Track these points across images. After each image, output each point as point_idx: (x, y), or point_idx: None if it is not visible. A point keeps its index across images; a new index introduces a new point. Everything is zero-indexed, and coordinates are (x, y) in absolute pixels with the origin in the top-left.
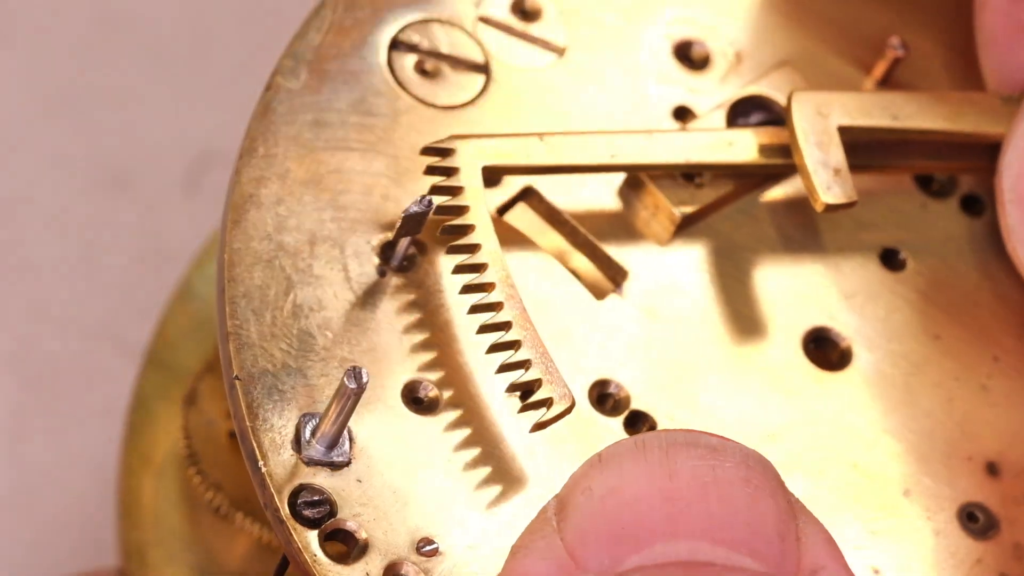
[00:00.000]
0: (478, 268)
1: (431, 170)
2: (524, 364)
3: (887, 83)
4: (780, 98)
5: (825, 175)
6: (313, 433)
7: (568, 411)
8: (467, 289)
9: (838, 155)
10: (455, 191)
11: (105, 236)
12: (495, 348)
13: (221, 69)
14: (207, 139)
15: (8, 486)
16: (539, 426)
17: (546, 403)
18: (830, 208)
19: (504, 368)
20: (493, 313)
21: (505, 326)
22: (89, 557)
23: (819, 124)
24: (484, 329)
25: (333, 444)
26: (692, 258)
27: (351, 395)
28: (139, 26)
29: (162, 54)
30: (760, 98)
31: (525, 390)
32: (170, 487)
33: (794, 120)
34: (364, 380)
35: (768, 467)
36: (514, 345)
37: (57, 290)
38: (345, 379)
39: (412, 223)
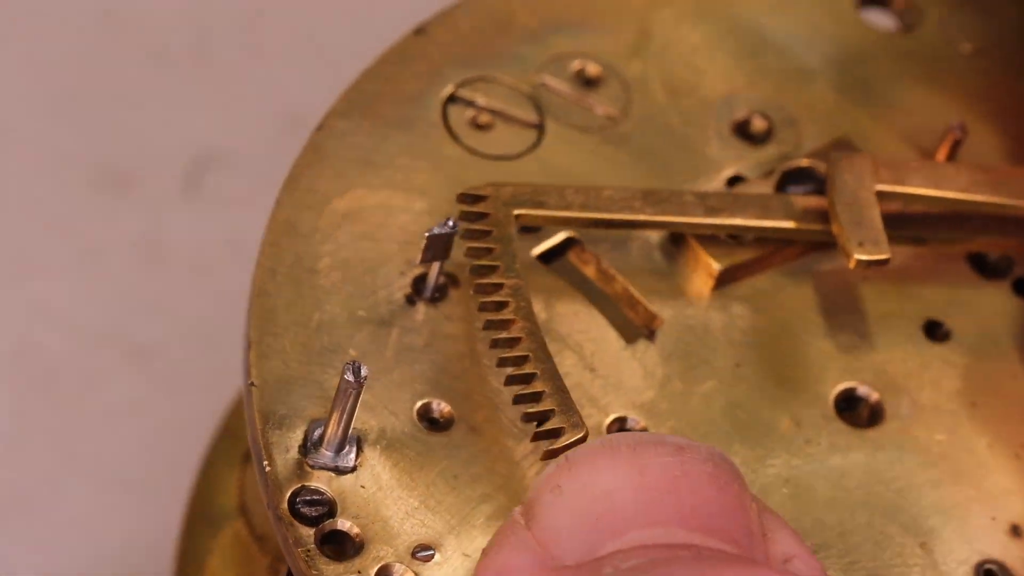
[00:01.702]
0: (501, 305)
1: (465, 215)
2: (539, 395)
3: None
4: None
5: (858, 232)
6: (320, 438)
7: (581, 441)
8: (489, 325)
9: (873, 216)
10: (485, 235)
11: (105, 236)
12: (512, 380)
13: (221, 69)
14: (207, 139)
15: (8, 487)
16: (549, 454)
17: (558, 432)
18: (862, 264)
19: (519, 399)
20: (512, 348)
21: (523, 360)
22: (89, 558)
23: (858, 186)
24: (503, 362)
25: (339, 449)
26: (729, 314)
27: (351, 390)
28: (139, 26)
29: (162, 54)
30: (810, 169)
31: (540, 419)
32: (225, 543)
33: (833, 180)
34: (363, 375)
35: (732, 466)
36: (530, 377)
37: (57, 290)
38: (344, 374)
39: (437, 245)
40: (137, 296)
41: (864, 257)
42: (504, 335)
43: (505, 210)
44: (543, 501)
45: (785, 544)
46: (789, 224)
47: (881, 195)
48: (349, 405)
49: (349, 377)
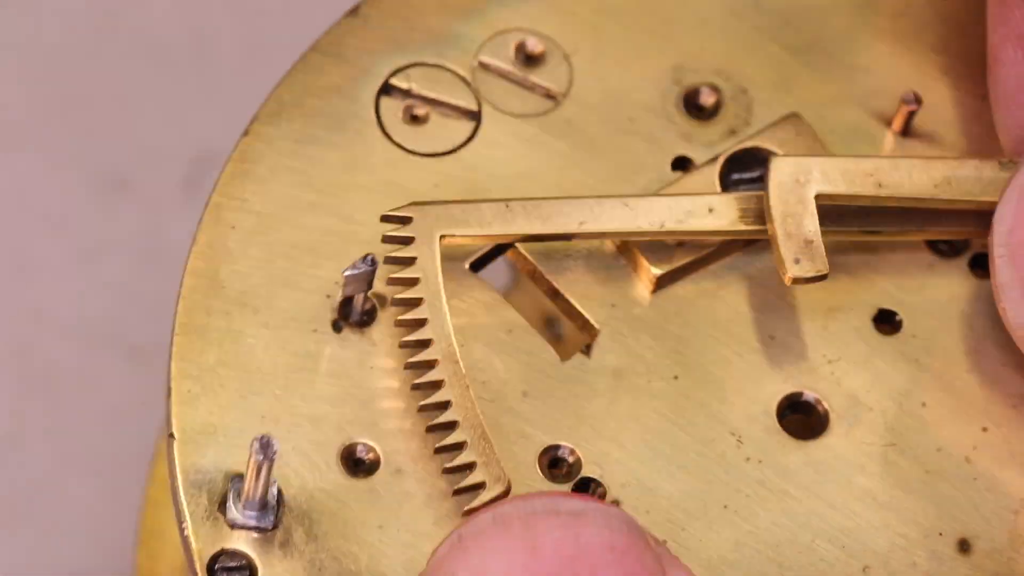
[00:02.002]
0: (422, 344)
1: (388, 239)
2: (460, 445)
3: (906, 134)
4: (781, 151)
5: (794, 247)
6: (239, 496)
7: (504, 495)
8: (410, 366)
9: (812, 225)
10: (408, 262)
11: (105, 236)
12: (433, 428)
13: (221, 69)
14: (207, 139)
15: (8, 487)
16: (472, 511)
17: (480, 486)
18: (799, 281)
19: (440, 450)
20: (433, 392)
21: (444, 405)
22: (89, 559)
23: (796, 192)
24: (423, 408)
25: (260, 507)
26: (670, 318)
27: (264, 464)
28: (139, 26)
29: (162, 54)
30: (759, 151)
31: (461, 471)
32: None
33: (770, 187)
34: (273, 450)
35: (631, 526)
36: (452, 426)
37: (57, 290)
38: (253, 451)
39: (356, 282)
40: (137, 296)
41: (800, 275)
42: (425, 379)
43: (429, 234)
44: None
45: None
46: (725, 226)
47: (821, 197)
48: (264, 474)
49: (259, 456)
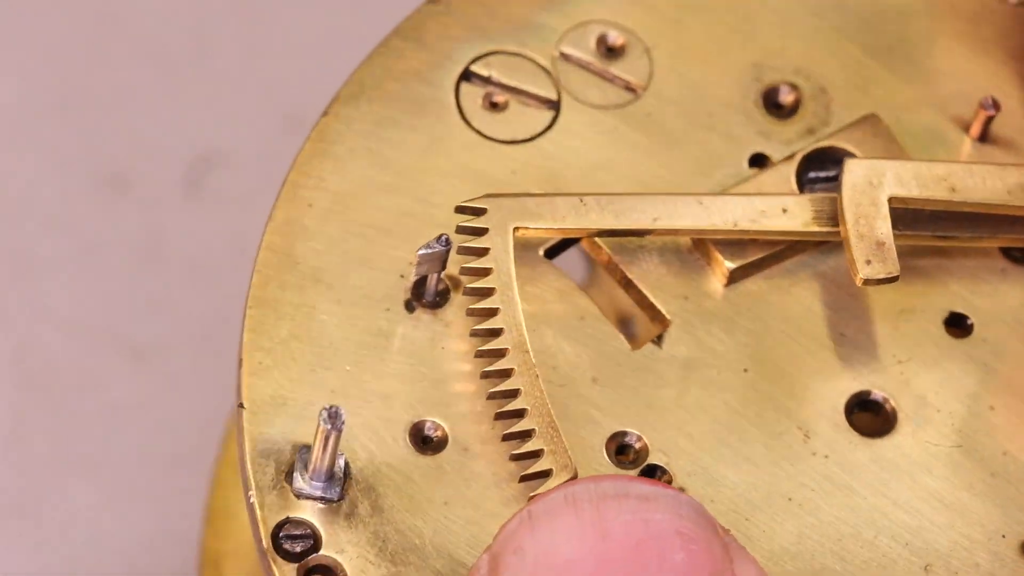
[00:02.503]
0: (493, 333)
1: (462, 229)
2: (528, 433)
3: (984, 140)
4: (857, 152)
5: (866, 248)
6: (306, 467)
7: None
8: (480, 354)
9: (884, 227)
10: (481, 252)
11: (105, 236)
12: (502, 415)
13: (221, 69)
14: (207, 139)
15: (8, 486)
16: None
17: (547, 474)
18: (870, 283)
19: (508, 436)
20: (503, 380)
21: (513, 393)
22: (89, 558)
23: (869, 194)
24: (493, 396)
25: (326, 478)
26: (739, 313)
27: (331, 434)
28: (139, 26)
29: (162, 54)
30: (836, 150)
31: (528, 459)
32: (243, 540)
33: (843, 189)
34: (340, 420)
35: (700, 512)
36: (520, 413)
37: (57, 290)
38: (321, 421)
39: (430, 262)
40: (137, 296)
41: (871, 276)
42: (495, 367)
43: (503, 225)
44: (506, 562)
45: None
46: (798, 227)
47: (894, 200)
48: (331, 445)
49: (326, 425)
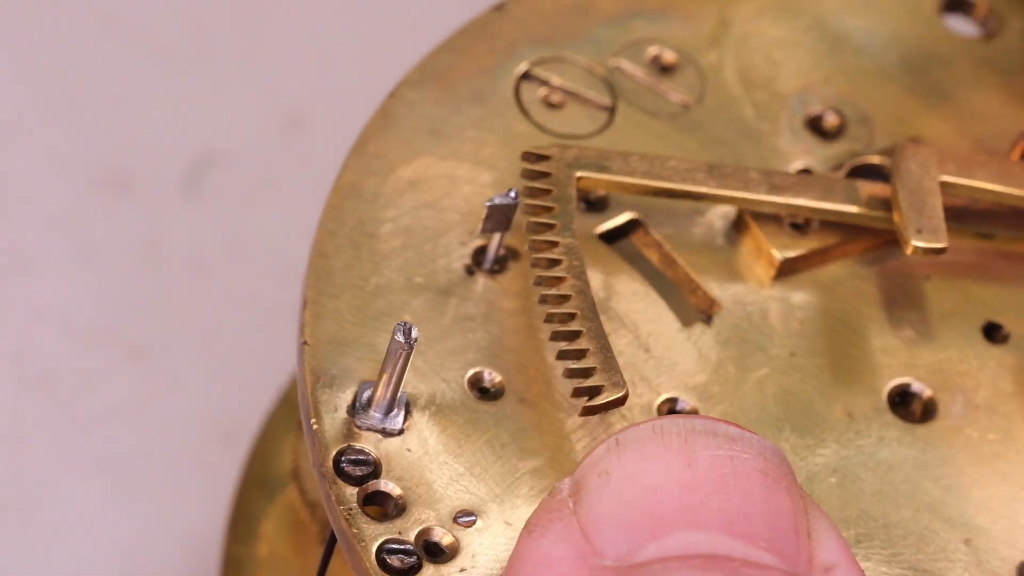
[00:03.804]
0: (553, 263)
1: (527, 173)
2: (582, 352)
3: None
4: None
5: (917, 220)
6: (369, 400)
7: (620, 401)
8: (540, 281)
9: (935, 205)
10: (545, 193)
11: (105, 236)
12: (557, 336)
13: (221, 69)
14: (207, 139)
15: (8, 487)
16: (588, 410)
17: (597, 390)
18: (918, 251)
19: (563, 355)
20: (560, 305)
21: (569, 317)
22: (89, 558)
23: (922, 174)
24: (550, 318)
25: (388, 411)
26: (788, 304)
27: (401, 351)
28: (139, 26)
29: (162, 54)
30: (879, 167)
31: (581, 376)
32: (278, 509)
33: (898, 167)
34: (414, 336)
35: (784, 460)
36: (575, 335)
37: (57, 290)
38: (395, 334)
39: (498, 215)
40: (137, 296)
41: (921, 244)
42: (553, 292)
43: (568, 171)
44: (590, 485)
45: (830, 551)
46: (852, 209)
47: (945, 186)
48: (399, 366)
49: (400, 338)
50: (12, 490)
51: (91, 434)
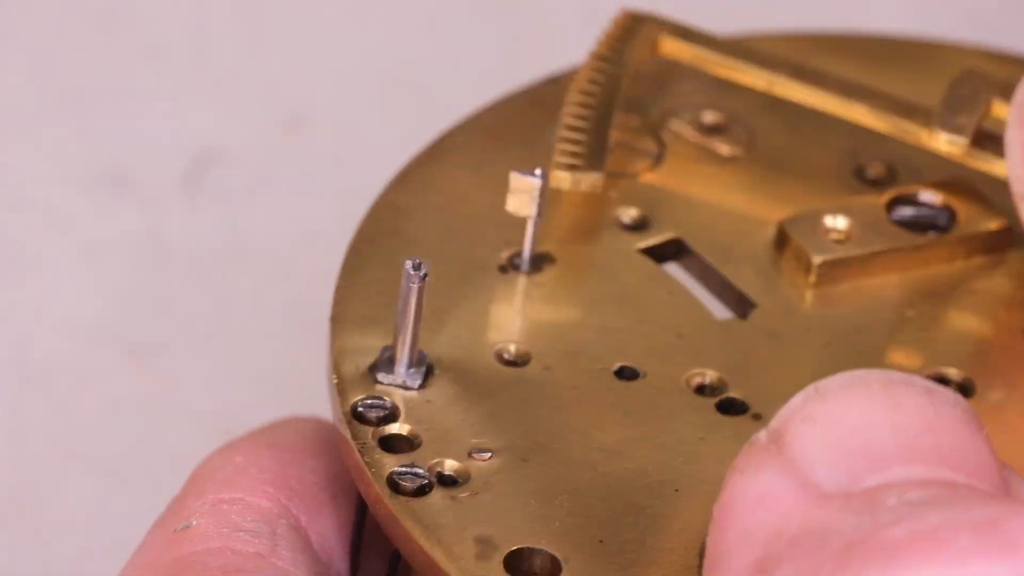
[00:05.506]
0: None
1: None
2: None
3: None
4: (951, 200)
5: None
6: (391, 359)
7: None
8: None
9: None
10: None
11: (105, 235)
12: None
13: (221, 68)
14: (207, 139)
15: (7, 486)
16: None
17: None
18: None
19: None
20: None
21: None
22: (88, 557)
23: None
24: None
25: (409, 366)
26: (826, 308)
27: (413, 285)
28: (139, 26)
29: (162, 54)
30: (925, 203)
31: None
32: None
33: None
34: (423, 271)
35: (977, 415)
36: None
37: (57, 289)
38: (407, 266)
39: (520, 190)
40: (137, 295)
41: None
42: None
43: (647, 33)
44: (793, 430)
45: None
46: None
47: None
48: (413, 304)
49: (410, 270)
50: (11, 488)
51: (90, 432)
